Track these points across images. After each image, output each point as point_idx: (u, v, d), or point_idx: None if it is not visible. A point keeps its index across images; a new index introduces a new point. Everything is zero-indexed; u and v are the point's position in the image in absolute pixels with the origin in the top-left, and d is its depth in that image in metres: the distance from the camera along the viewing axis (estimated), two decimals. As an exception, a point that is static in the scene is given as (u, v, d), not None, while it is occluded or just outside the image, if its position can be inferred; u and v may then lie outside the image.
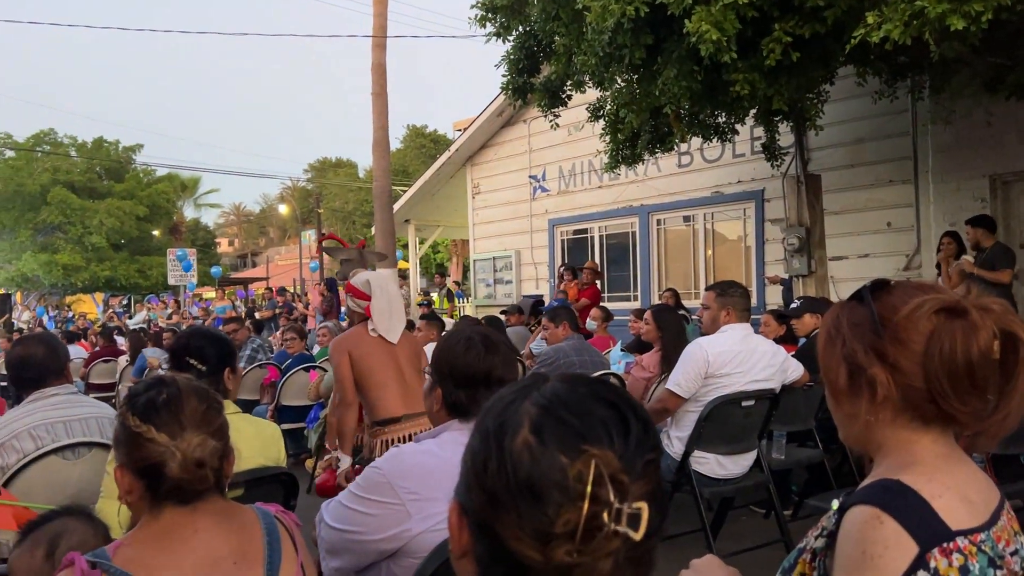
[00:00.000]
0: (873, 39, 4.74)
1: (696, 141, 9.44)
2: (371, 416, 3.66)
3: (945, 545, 1.08)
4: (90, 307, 32.45)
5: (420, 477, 1.79)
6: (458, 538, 0.82)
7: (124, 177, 34.48)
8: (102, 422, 3.04)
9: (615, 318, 8.29)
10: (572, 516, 0.72)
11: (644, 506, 0.73)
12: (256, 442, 2.58)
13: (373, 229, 14.83)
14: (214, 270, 27.71)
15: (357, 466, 3.66)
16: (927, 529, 1.09)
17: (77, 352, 10.55)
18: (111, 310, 23.82)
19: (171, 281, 22.26)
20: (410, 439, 3.22)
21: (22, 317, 23.85)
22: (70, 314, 26.63)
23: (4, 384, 9.70)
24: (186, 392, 1.51)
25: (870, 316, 1.20)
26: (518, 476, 0.75)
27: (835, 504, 1.21)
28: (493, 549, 0.78)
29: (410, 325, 8.48)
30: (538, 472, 0.74)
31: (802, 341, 5.48)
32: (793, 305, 5.78)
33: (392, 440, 3.51)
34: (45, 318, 24.41)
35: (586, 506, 0.72)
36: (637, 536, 0.72)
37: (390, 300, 3.76)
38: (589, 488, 0.72)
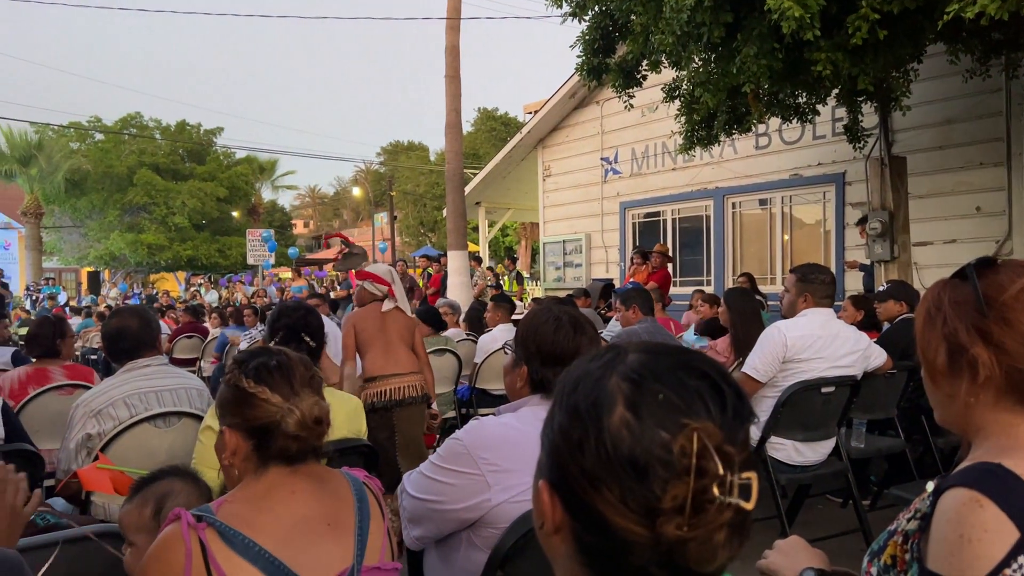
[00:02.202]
0: (968, 15, 4.53)
1: (774, 122, 9.23)
2: (363, 375, 4.61)
3: None
4: (172, 285, 33.69)
5: (499, 448, 1.81)
6: (551, 516, 0.81)
7: (205, 159, 35.54)
8: (191, 392, 3.16)
9: (686, 303, 8.19)
10: (679, 491, 0.72)
11: (754, 475, 0.73)
12: (340, 415, 2.66)
13: (444, 212, 14.93)
14: (291, 251, 28.35)
15: None
16: None
17: (163, 328, 10.95)
18: (193, 288, 24.67)
19: (250, 260, 22.86)
20: (387, 393, 4.52)
21: (110, 294, 24.87)
22: (154, 291, 27.68)
23: (94, 357, 10.19)
24: (294, 360, 1.61)
25: (974, 294, 1.16)
26: (619, 454, 0.74)
27: (930, 486, 1.18)
28: (592, 526, 0.77)
29: (483, 306, 8.59)
30: (640, 449, 0.74)
31: (885, 327, 5.32)
32: (880, 288, 5.61)
33: (372, 394, 4.51)
34: (129, 293, 25.41)
35: (692, 480, 0.71)
36: (749, 506, 0.72)
37: (400, 285, 4.85)
38: (694, 462, 0.72)
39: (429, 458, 1.91)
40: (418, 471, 1.93)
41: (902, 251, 7.22)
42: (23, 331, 9.76)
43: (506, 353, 2.08)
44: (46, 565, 1.67)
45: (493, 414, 1.99)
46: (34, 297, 22.91)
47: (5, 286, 20.93)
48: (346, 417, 2.74)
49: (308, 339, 2.84)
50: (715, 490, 0.71)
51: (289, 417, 1.51)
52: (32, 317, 13.91)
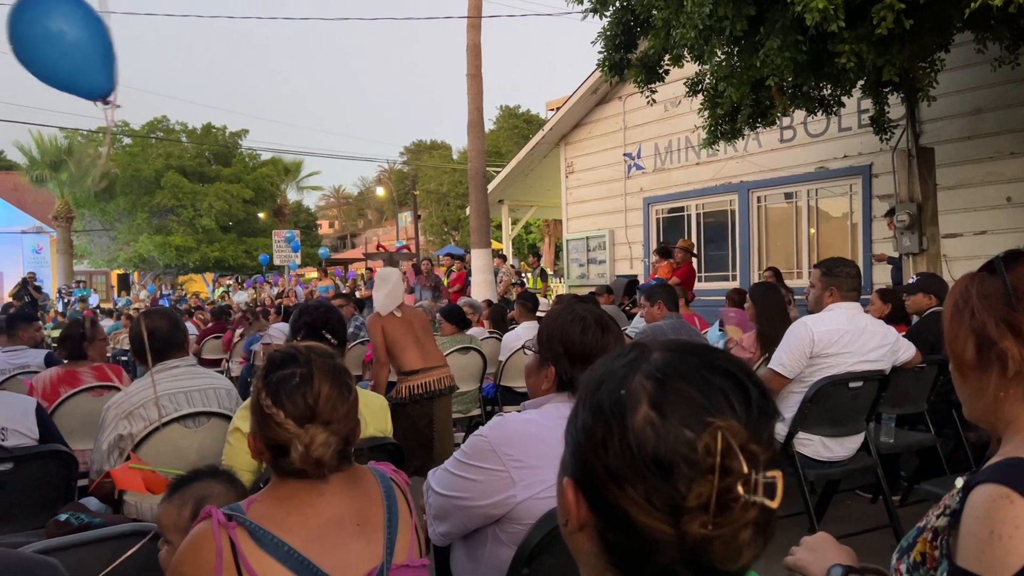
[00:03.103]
0: (995, 2, 4.47)
1: (799, 115, 9.14)
2: (398, 370, 4.91)
3: None
4: (201, 287, 34.05)
5: (524, 445, 1.81)
6: (575, 513, 0.82)
7: (231, 161, 35.90)
8: (219, 393, 3.20)
9: (711, 298, 8.14)
10: (704, 489, 0.72)
11: (779, 474, 0.72)
12: (366, 413, 2.68)
13: (467, 210, 14.95)
14: (321, 252, 28.54)
15: None
16: None
17: (190, 329, 11.07)
18: (222, 289, 24.93)
19: (276, 261, 23.07)
20: (430, 385, 4.82)
21: (139, 296, 25.17)
22: (183, 293, 28.00)
23: (124, 359, 10.33)
24: (319, 374, 1.53)
25: (1003, 287, 1.15)
26: (643, 453, 0.74)
27: (959, 483, 1.17)
28: (617, 524, 0.78)
29: (508, 304, 8.60)
30: (664, 448, 0.74)
31: (914, 320, 5.25)
32: (910, 281, 5.53)
33: (415, 386, 4.80)
34: (158, 295, 25.70)
35: (717, 479, 0.71)
36: (774, 505, 0.72)
37: (390, 287, 5.03)
38: (718, 460, 0.72)
39: (454, 455, 1.92)
40: (443, 468, 1.94)
41: (931, 243, 7.12)
42: (56, 333, 9.94)
43: (526, 354, 2.07)
44: (122, 558, 1.68)
45: (517, 411, 1.99)
46: (66, 300, 23.26)
47: (38, 289, 21.30)
48: (371, 416, 2.76)
49: (329, 336, 2.88)
50: (740, 489, 0.71)
51: (293, 450, 1.47)
52: (65, 319, 14.13)
